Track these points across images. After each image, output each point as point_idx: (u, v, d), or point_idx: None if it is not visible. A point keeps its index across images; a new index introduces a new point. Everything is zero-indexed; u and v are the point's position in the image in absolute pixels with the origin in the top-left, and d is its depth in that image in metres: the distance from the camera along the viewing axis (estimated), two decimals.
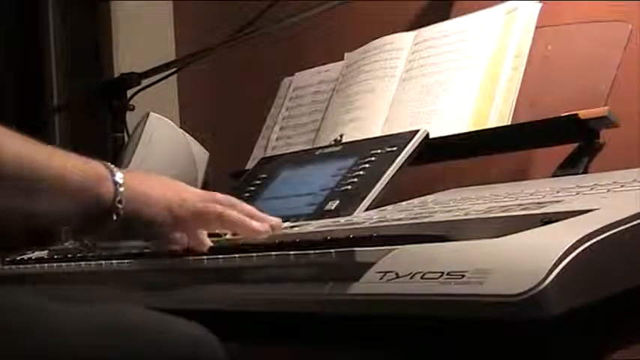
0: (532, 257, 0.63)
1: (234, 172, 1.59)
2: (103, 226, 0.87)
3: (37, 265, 1.21)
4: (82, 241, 0.97)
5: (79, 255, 1.17)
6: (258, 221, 0.98)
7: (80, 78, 2.40)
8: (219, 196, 0.99)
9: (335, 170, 1.22)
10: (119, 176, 0.88)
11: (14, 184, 0.82)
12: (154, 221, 0.90)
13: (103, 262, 1.04)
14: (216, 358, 0.81)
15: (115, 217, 0.87)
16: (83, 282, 1.09)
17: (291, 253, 0.80)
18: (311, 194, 1.20)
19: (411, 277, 0.68)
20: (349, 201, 1.13)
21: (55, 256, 1.29)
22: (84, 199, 0.85)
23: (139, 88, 1.85)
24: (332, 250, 0.75)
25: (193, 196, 0.94)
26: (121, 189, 0.87)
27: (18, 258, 1.32)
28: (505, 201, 0.92)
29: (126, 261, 1.01)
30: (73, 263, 1.11)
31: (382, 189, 1.13)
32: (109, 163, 0.89)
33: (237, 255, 0.87)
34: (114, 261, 1.02)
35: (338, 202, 1.14)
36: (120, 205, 0.86)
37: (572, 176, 1.08)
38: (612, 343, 0.77)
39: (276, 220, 1.01)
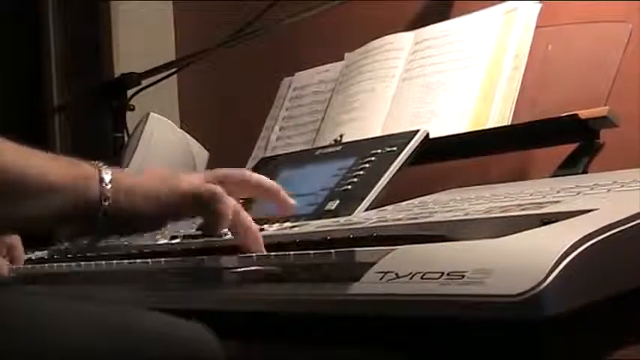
0: (532, 257, 0.64)
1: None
2: (90, 224, 0.86)
3: (37, 265, 1.21)
4: (76, 241, 0.95)
5: (79, 255, 1.17)
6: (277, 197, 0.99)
7: (80, 78, 2.40)
8: (236, 171, 0.97)
9: (335, 170, 1.22)
10: (106, 173, 0.87)
11: None
12: (140, 213, 0.88)
13: (103, 262, 1.04)
14: (217, 358, 0.81)
15: (101, 215, 0.85)
16: (83, 282, 1.09)
17: (291, 253, 0.80)
18: (311, 194, 1.20)
19: (411, 278, 0.68)
20: (349, 201, 1.13)
21: (55, 256, 1.30)
22: (67, 198, 0.84)
23: (139, 88, 1.85)
24: (332, 250, 0.75)
25: (187, 182, 0.91)
26: (108, 186, 0.86)
27: None
28: (505, 201, 0.92)
29: (126, 261, 1.01)
30: (73, 263, 1.11)
31: (382, 189, 1.13)
32: (99, 163, 0.88)
33: (237, 255, 0.87)
34: (114, 261, 1.02)
35: (338, 202, 1.14)
36: (105, 203, 0.85)
37: (572, 176, 1.08)
38: (612, 343, 0.77)
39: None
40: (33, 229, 0.88)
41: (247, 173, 0.98)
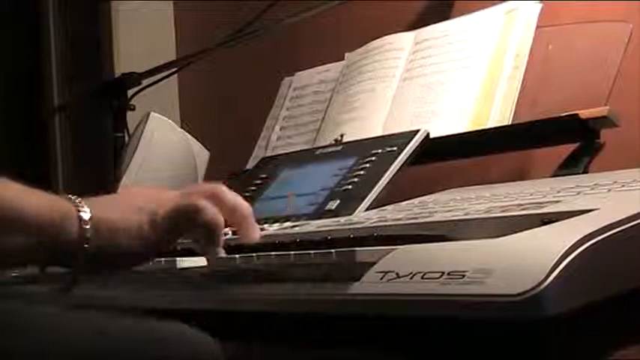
0: (533, 257, 0.64)
1: (234, 172, 1.59)
2: (73, 263, 0.83)
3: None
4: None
5: None
6: (245, 223, 0.92)
7: (80, 78, 2.41)
8: (206, 187, 0.93)
9: (335, 170, 1.22)
10: (84, 212, 0.83)
11: None
12: (123, 250, 0.85)
13: None
14: (216, 358, 0.81)
15: (82, 255, 0.82)
16: (83, 282, 1.08)
17: (292, 253, 0.80)
18: (311, 194, 1.20)
19: (412, 277, 0.68)
20: (349, 201, 1.13)
21: None
22: (45, 238, 0.80)
23: (139, 88, 1.85)
24: (332, 250, 0.75)
25: (166, 205, 0.87)
26: (87, 226, 0.82)
27: None
28: (505, 201, 0.92)
29: None
30: None
31: (382, 189, 1.13)
32: (75, 198, 0.84)
33: (237, 255, 0.87)
34: None
35: (338, 201, 1.14)
36: (86, 245, 0.82)
37: (572, 176, 1.08)
38: (612, 343, 0.77)
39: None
40: (5, 264, 0.84)
41: (219, 189, 0.92)
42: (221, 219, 0.87)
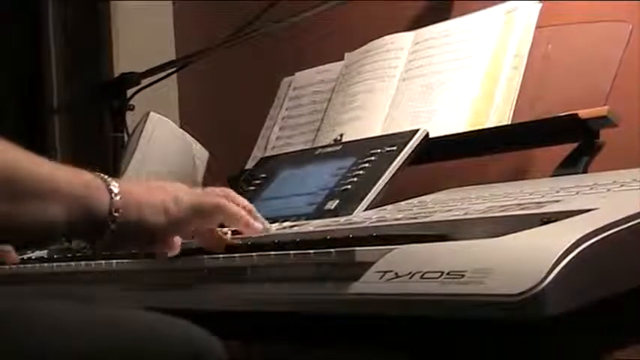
0: (532, 257, 0.63)
1: (234, 172, 1.59)
2: (100, 235, 0.85)
3: (37, 265, 1.21)
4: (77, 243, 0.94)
5: (78, 255, 1.17)
6: (255, 219, 0.99)
7: (80, 78, 2.40)
8: (217, 190, 0.99)
9: (335, 170, 1.22)
10: (114, 185, 0.86)
11: (3, 192, 0.79)
12: (149, 225, 0.88)
13: (103, 262, 1.04)
14: (217, 358, 0.81)
15: (111, 226, 0.85)
16: (83, 282, 1.09)
17: (291, 252, 0.80)
18: (311, 194, 1.20)
19: (411, 277, 0.68)
20: (349, 200, 1.13)
21: (55, 256, 1.30)
22: (77, 209, 0.83)
23: (139, 87, 1.85)
24: (332, 250, 0.75)
25: (190, 193, 0.93)
26: (117, 198, 0.85)
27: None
28: (505, 201, 0.92)
29: (126, 261, 1.01)
30: (73, 263, 1.11)
31: (382, 189, 1.13)
32: (102, 174, 0.87)
33: (237, 255, 0.87)
34: (114, 261, 1.02)
35: (338, 201, 1.14)
36: (117, 214, 0.85)
37: (571, 176, 1.08)
38: (612, 343, 0.77)
39: (268, 225, 1.03)
40: (36, 236, 0.86)
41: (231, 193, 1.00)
42: (242, 212, 0.95)
